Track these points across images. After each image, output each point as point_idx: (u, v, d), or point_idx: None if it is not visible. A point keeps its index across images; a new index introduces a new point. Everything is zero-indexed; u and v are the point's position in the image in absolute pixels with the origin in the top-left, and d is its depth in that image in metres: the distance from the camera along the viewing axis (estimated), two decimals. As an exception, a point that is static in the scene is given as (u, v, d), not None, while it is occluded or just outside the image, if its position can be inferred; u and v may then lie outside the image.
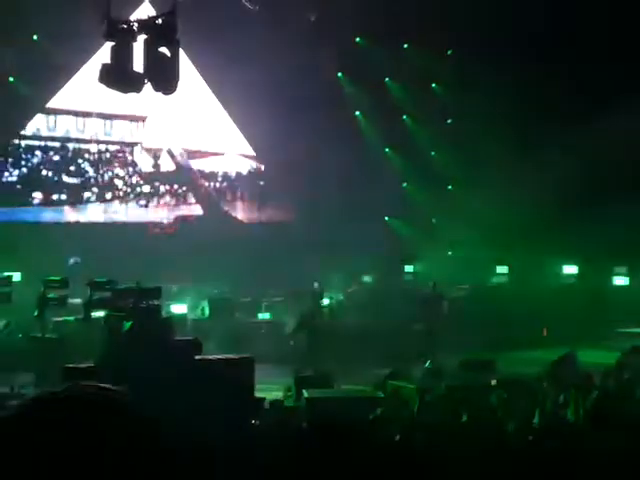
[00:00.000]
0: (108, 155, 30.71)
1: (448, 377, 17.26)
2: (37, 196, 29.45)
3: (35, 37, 25.93)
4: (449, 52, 28.96)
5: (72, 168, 30.15)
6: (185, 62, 24.42)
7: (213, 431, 10.45)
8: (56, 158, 30.00)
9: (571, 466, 8.50)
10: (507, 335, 23.29)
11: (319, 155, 28.60)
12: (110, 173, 30.73)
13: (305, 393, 14.62)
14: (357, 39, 29.23)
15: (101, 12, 13.88)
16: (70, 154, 30.07)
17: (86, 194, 30.30)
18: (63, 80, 28.51)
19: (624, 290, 27.06)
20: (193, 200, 32.32)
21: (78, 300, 19.22)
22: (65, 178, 30.01)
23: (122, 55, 13.98)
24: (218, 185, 32.91)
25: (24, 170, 29.27)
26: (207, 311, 24.42)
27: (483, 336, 21.28)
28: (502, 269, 30.03)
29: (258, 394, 13.85)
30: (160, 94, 14.49)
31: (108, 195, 30.69)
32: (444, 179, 30.77)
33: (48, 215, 29.53)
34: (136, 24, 14.06)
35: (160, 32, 14.03)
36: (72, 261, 25.31)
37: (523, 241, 26.91)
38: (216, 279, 27.93)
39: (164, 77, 14.01)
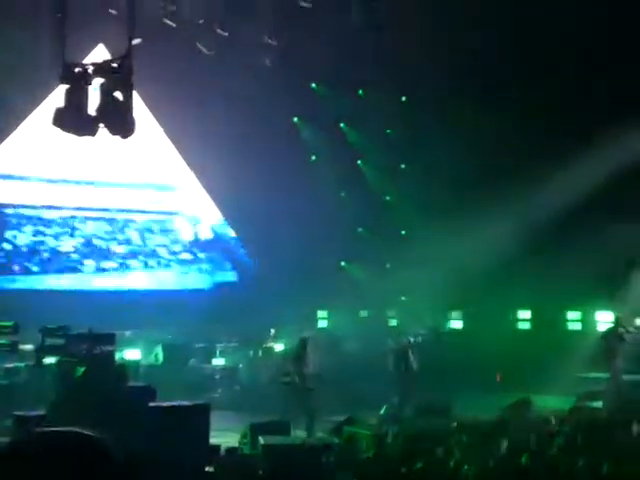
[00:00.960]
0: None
1: (404, 422, 17.21)
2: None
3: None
4: (403, 98, 29.15)
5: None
6: (140, 105, 24.41)
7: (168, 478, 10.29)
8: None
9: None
10: (461, 380, 23.28)
11: (273, 199, 28.61)
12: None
13: (261, 440, 14.48)
14: (313, 85, 29.36)
15: (55, 54, 13.81)
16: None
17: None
18: (14, 123, 28.30)
19: (578, 335, 27.20)
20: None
21: (29, 346, 18.92)
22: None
23: (76, 98, 13.86)
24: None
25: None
26: (161, 357, 24.17)
27: (438, 381, 21.19)
28: (456, 314, 30.09)
29: (213, 441, 13.67)
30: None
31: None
32: (398, 224, 30.84)
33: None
34: (91, 67, 13.99)
35: (115, 76, 13.96)
36: None
37: (477, 287, 26.99)
38: (169, 324, 27.74)
39: (119, 121, 13.93)
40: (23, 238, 29.53)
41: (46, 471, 1.81)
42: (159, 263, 31.65)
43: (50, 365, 16.15)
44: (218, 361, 25.28)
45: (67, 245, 30.22)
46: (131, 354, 23.32)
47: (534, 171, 25.40)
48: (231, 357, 25.53)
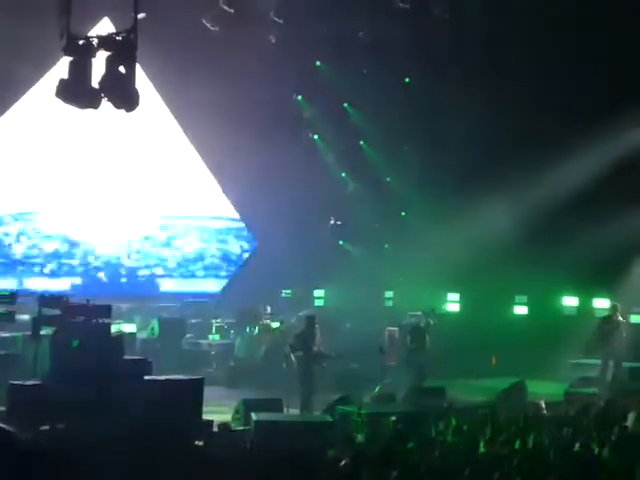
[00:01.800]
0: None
1: (398, 403, 17.30)
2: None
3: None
4: (407, 80, 29.11)
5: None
6: (144, 80, 24.38)
7: (160, 451, 10.36)
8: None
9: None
10: (457, 363, 23.38)
11: (275, 176, 28.59)
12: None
13: (254, 416, 14.57)
14: (317, 63, 29.31)
15: (60, 27, 13.82)
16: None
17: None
18: (20, 93, 28.27)
19: (573, 320, 27.25)
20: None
21: (26, 316, 18.98)
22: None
23: (80, 71, 13.90)
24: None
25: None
26: (157, 331, 24.23)
27: (432, 362, 21.24)
28: (453, 297, 30.14)
29: (206, 416, 13.76)
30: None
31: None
32: (399, 205, 30.85)
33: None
34: (96, 40, 14.01)
35: (119, 49, 13.98)
36: None
37: (475, 270, 27.02)
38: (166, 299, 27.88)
39: (122, 94, 13.96)
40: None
41: None
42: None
43: (47, 335, 16.22)
44: (214, 337, 25.34)
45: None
46: (127, 327, 23.37)
47: (535, 157, 25.45)
48: (227, 333, 25.60)
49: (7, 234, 29.29)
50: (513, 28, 24.75)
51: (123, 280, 30.50)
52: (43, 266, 29.57)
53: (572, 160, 25.01)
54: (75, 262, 30.10)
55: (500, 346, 25.52)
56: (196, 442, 11.97)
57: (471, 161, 26.83)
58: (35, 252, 29.55)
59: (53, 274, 29.54)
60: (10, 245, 29.20)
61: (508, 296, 28.94)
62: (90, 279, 29.87)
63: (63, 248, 29.96)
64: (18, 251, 29.32)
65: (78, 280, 29.79)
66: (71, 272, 29.88)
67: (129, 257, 30.65)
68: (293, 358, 19.23)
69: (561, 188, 25.38)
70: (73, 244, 29.99)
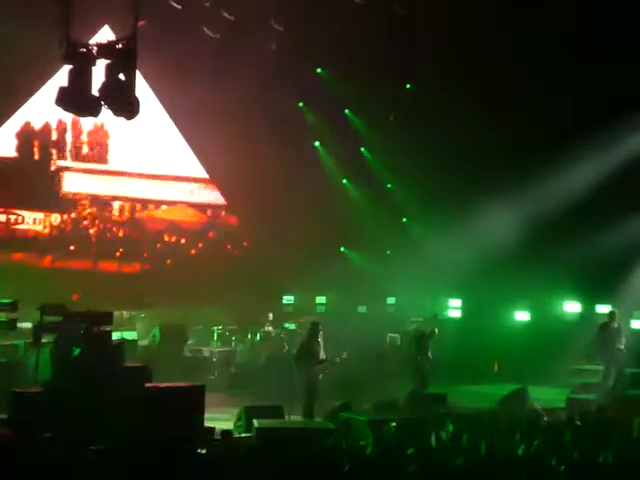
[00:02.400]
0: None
1: (399, 410, 17.27)
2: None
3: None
4: (408, 86, 29.14)
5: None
6: (144, 87, 24.43)
7: (160, 459, 10.36)
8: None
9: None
10: (458, 369, 23.35)
11: (276, 184, 28.60)
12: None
13: (255, 423, 14.56)
14: (318, 70, 29.34)
15: (60, 34, 13.83)
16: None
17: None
18: (20, 102, 28.35)
19: (575, 326, 27.22)
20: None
21: (28, 324, 18.98)
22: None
23: (80, 79, 13.92)
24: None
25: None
26: (158, 338, 24.22)
27: (435, 369, 21.21)
28: (455, 302, 30.12)
29: (208, 423, 13.76)
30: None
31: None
32: (400, 211, 30.85)
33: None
34: (95, 48, 14.03)
35: (119, 57, 14.00)
36: None
37: (477, 276, 26.99)
38: (168, 306, 27.85)
39: (122, 101, 13.97)
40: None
41: None
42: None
43: (48, 343, 16.22)
44: (215, 344, 25.34)
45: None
46: (129, 334, 23.36)
47: (537, 161, 25.43)
48: (229, 340, 25.59)
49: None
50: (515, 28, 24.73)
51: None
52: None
53: (573, 166, 24.99)
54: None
55: (502, 352, 25.51)
56: (198, 450, 11.95)
57: (472, 166, 26.80)
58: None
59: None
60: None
61: (510, 302, 28.89)
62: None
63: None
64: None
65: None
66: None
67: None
68: (297, 365, 19.10)
69: (563, 194, 25.36)
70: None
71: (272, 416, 15.80)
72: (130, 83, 13.90)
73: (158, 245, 31.42)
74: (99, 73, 14.02)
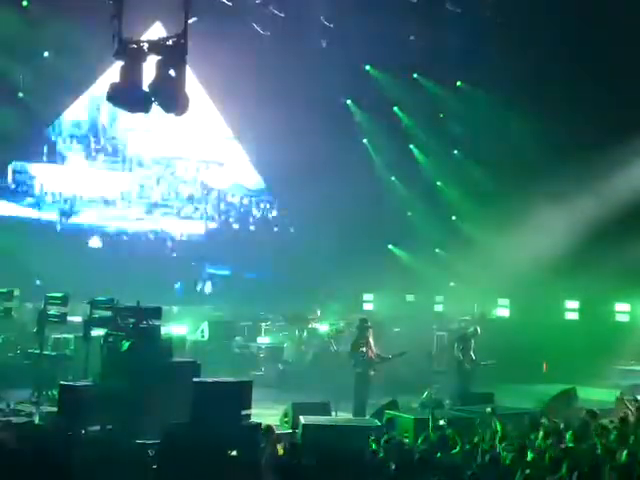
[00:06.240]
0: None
1: (445, 409, 17.21)
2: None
3: (46, 54, 26.00)
4: (459, 84, 29.04)
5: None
6: (194, 84, 24.55)
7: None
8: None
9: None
10: (507, 368, 23.19)
11: (324, 180, 28.59)
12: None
13: (302, 419, 14.60)
14: (367, 67, 29.33)
15: (112, 31, 13.93)
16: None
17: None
18: (72, 97, 28.62)
19: (625, 327, 26.98)
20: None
21: (78, 318, 19.17)
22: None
23: (131, 75, 14.00)
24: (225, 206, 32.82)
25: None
26: (207, 333, 24.34)
27: (483, 369, 21.08)
28: (504, 302, 29.96)
29: (255, 419, 13.78)
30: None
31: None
32: (449, 210, 30.74)
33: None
34: (146, 44, 14.10)
35: (170, 53, 14.06)
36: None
37: (526, 275, 26.80)
38: (217, 301, 27.99)
39: (172, 98, 14.04)
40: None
41: None
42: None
43: (98, 337, 16.37)
44: (263, 339, 25.42)
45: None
46: (178, 329, 23.50)
47: (592, 164, 25.15)
48: (276, 336, 25.65)
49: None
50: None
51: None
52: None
53: (624, 170, 24.78)
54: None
55: (551, 352, 25.33)
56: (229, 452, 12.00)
57: (523, 166, 26.67)
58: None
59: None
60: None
61: (559, 301, 28.69)
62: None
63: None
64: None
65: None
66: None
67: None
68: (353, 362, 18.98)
69: (613, 196, 25.17)
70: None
71: (319, 413, 15.82)
72: (180, 79, 13.95)
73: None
74: (150, 69, 14.08)
